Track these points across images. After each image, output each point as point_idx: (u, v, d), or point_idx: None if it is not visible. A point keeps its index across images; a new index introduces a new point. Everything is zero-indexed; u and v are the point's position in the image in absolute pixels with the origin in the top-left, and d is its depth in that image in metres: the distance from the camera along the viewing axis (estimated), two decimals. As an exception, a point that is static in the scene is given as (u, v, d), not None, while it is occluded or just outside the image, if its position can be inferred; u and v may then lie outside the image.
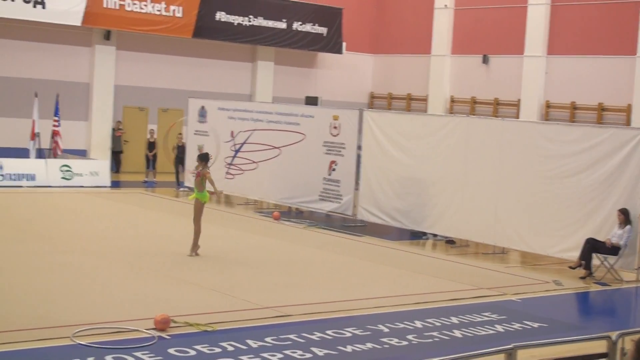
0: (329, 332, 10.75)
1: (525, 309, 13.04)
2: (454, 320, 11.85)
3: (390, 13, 36.05)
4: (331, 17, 33.93)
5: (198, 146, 23.58)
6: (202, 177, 15.71)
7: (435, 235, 19.54)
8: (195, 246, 15.55)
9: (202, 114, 25.10)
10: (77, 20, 28.04)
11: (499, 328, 11.59)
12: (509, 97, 31.42)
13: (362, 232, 19.98)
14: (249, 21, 31.79)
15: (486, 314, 12.35)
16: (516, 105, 31.03)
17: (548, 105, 30.19)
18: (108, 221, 19.23)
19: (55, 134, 26.98)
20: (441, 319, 11.81)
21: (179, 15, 30.08)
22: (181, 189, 26.03)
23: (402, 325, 11.34)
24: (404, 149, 19.54)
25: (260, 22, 32.04)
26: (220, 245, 17.18)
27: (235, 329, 10.71)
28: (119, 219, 19.75)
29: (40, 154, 26.68)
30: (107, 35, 29.67)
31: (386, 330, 11.07)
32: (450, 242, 19.21)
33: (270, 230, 19.63)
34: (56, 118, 27.03)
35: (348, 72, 35.95)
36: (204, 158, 16.14)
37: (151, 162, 28.47)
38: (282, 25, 32.59)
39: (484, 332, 11.31)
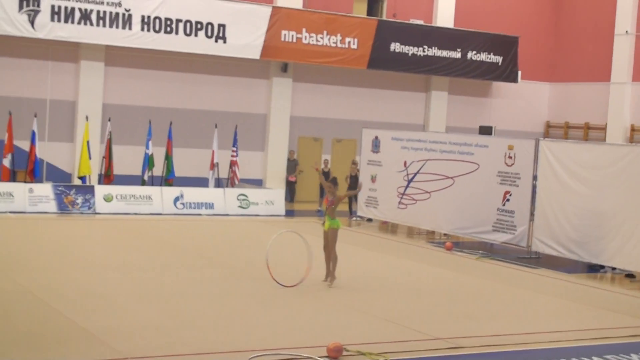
0: (502, 365, 10.57)
1: None
2: (635, 358, 11.39)
3: (567, 41, 35.33)
4: (507, 46, 33.56)
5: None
6: (337, 204, 15.45)
7: (613, 268, 18.90)
8: (332, 274, 15.28)
9: (376, 144, 25.29)
10: (255, 54, 28.97)
11: (684, 367, 11.08)
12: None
13: (536, 264, 19.56)
14: (424, 51, 31.88)
15: (669, 352, 11.83)
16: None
17: None
18: (284, 250, 19.59)
19: (233, 163, 27.85)
20: (620, 356, 11.38)
21: (354, 47, 30.52)
22: (354, 218, 26.28)
23: (579, 361, 11.03)
24: (582, 179, 19.03)
25: (434, 52, 32.07)
26: (392, 274, 17.21)
27: (407, 360, 10.69)
28: (295, 248, 20.09)
29: (219, 183, 27.59)
30: (284, 68, 30.45)
31: (562, 365, 10.79)
32: (630, 275, 18.53)
33: (442, 261, 19.50)
34: (234, 148, 27.92)
35: (523, 101, 35.43)
36: (336, 183, 15.71)
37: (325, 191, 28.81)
38: (457, 54, 32.50)
39: (666, 371, 10.84)
